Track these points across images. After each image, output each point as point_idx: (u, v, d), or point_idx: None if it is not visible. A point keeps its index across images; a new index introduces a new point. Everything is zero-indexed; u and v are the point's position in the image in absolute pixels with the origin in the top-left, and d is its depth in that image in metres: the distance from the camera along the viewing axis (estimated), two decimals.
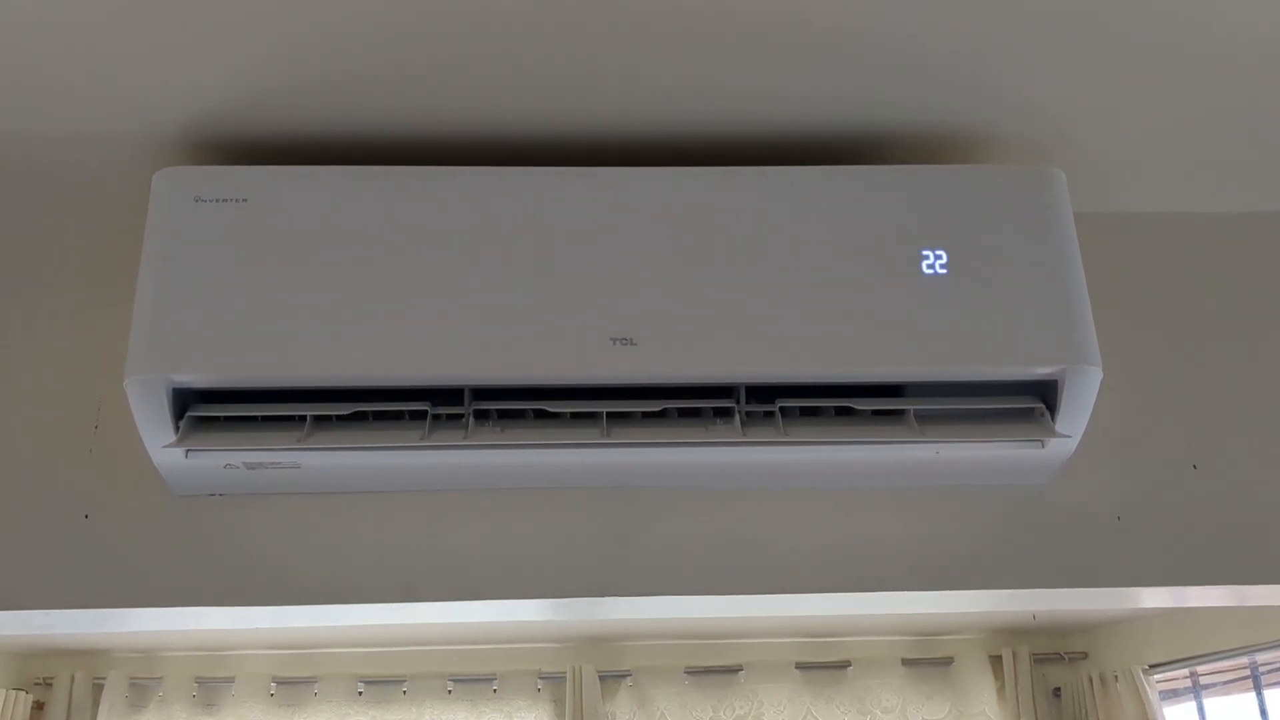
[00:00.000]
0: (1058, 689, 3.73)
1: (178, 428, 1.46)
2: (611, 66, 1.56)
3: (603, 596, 1.61)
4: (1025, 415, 1.55)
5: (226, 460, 1.52)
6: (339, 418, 1.49)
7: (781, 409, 1.52)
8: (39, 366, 1.72)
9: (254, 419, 1.49)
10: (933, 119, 1.69)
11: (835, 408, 1.54)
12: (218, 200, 1.51)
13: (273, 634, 3.62)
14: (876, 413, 1.54)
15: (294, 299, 1.47)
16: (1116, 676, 3.45)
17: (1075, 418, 1.55)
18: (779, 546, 1.64)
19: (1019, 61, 1.58)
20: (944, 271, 1.53)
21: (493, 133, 1.67)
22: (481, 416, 1.51)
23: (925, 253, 1.54)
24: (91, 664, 3.68)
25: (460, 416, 1.49)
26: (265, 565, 1.59)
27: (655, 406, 1.51)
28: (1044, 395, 1.55)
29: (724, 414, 1.52)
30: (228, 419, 1.49)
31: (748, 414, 1.52)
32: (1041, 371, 1.52)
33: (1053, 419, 1.54)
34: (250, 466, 1.53)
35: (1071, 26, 1.51)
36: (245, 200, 1.52)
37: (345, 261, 1.50)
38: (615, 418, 1.52)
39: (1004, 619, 3.69)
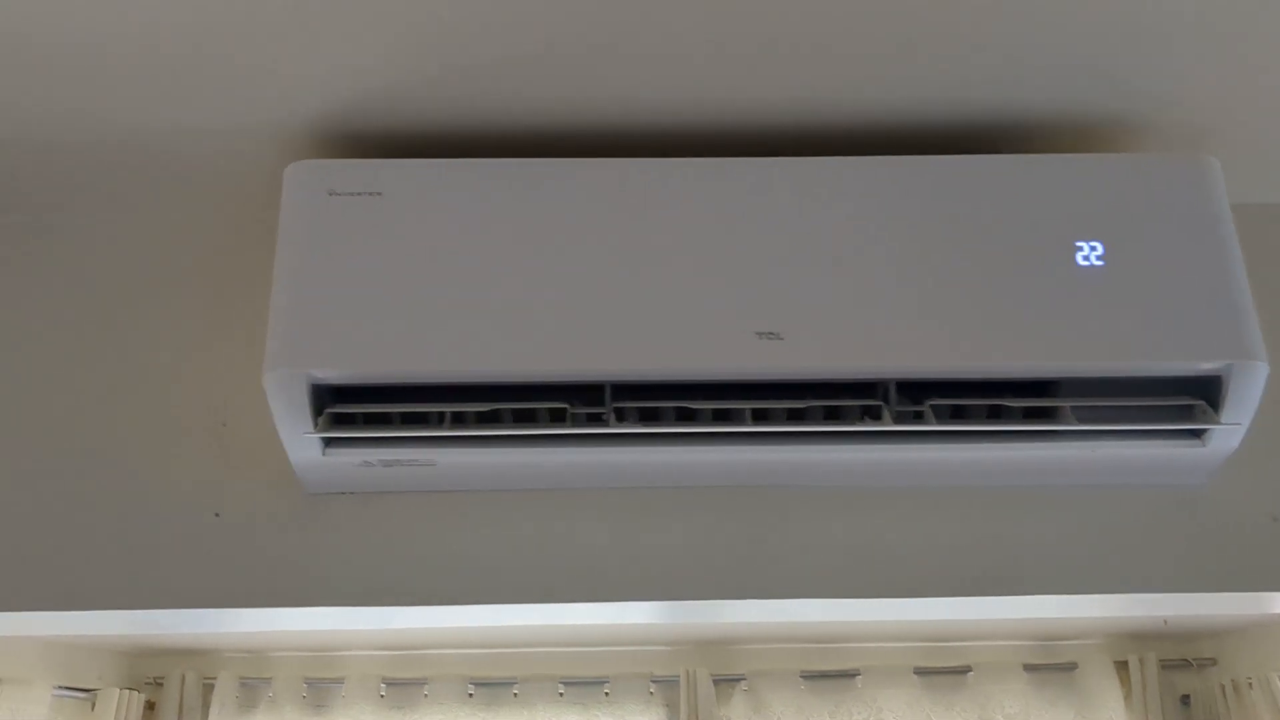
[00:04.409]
0: (1186, 696, 3.62)
1: (316, 424, 1.44)
2: (756, 56, 1.52)
3: (737, 599, 1.58)
4: (1186, 413, 1.49)
5: (364, 458, 1.50)
6: (477, 415, 1.46)
7: (931, 408, 1.47)
8: (168, 362, 1.72)
9: (392, 416, 1.47)
10: (1082, 106, 1.64)
11: (986, 407, 1.49)
12: (352, 194, 1.50)
13: (382, 634, 3.61)
14: (1028, 412, 1.49)
15: (431, 294, 1.45)
16: (1251, 683, 3.34)
17: (1241, 415, 1.48)
18: (915, 548, 1.60)
19: (1171, 45, 1.52)
20: (1100, 263, 1.48)
21: (632, 122, 1.64)
22: (620, 415, 1.47)
23: (1080, 244, 1.49)
24: (201, 664, 3.69)
25: (600, 415, 1.46)
26: (396, 563, 1.58)
27: (800, 404, 1.46)
28: (1205, 393, 1.48)
29: (871, 413, 1.47)
30: (365, 416, 1.47)
31: (896, 413, 1.47)
32: (1206, 367, 1.45)
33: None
34: (386, 464, 1.51)
35: (1226, 5, 1.45)
36: (379, 194, 1.50)
37: (481, 255, 1.47)
38: (758, 416, 1.48)
39: (1129, 624, 3.59)
